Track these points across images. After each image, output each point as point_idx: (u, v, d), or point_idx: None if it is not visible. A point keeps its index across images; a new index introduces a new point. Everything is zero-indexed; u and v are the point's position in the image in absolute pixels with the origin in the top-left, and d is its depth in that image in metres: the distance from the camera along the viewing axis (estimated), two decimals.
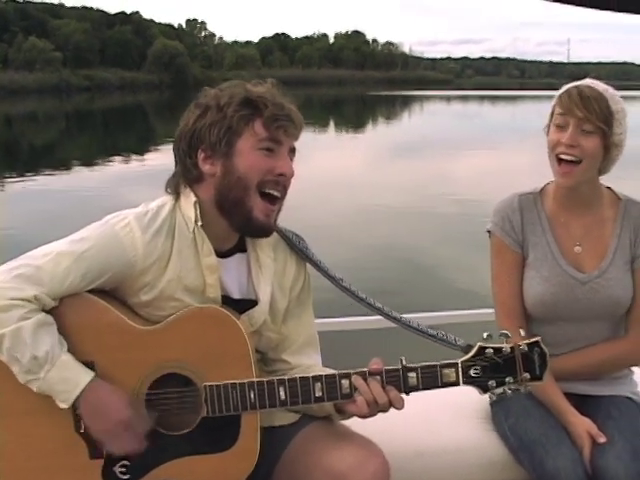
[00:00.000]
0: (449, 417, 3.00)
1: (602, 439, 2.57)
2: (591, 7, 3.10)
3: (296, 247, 2.50)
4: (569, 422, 2.67)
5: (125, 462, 2.24)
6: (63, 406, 2.16)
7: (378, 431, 2.39)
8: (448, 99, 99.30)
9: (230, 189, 2.27)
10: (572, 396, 2.77)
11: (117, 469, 2.24)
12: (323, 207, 16.04)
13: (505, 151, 29.93)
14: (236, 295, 2.39)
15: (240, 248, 2.42)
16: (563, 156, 2.68)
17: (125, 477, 2.25)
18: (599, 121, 2.63)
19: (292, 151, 2.35)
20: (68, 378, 2.14)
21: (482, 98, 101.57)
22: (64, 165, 24.61)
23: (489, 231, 2.90)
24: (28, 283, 2.15)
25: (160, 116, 58.99)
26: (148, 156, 27.76)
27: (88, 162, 25.27)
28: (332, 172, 22.56)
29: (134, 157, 27.22)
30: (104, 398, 2.16)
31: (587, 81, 2.74)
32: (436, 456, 2.80)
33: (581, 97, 2.65)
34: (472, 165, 24.68)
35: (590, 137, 2.65)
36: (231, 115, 2.25)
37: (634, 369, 3.03)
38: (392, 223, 14.48)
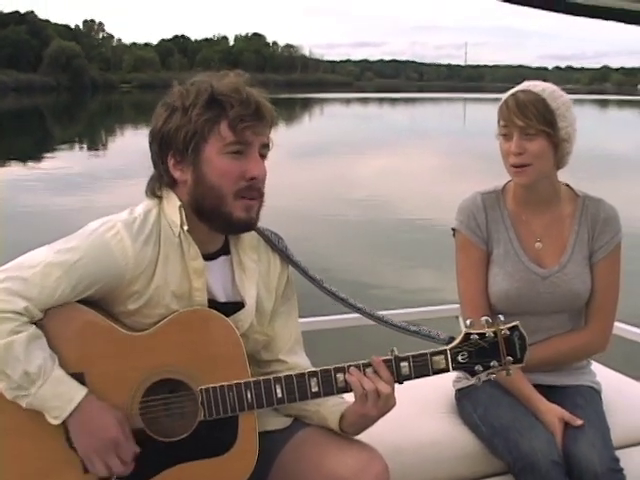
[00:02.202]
0: (419, 413, 3.05)
1: (578, 422, 2.69)
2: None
3: (276, 247, 2.49)
4: (539, 410, 2.77)
5: None
6: (54, 422, 2.09)
7: None
8: (348, 101, 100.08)
9: (204, 198, 2.23)
10: (538, 387, 2.86)
11: None
12: None
13: (405, 152, 30.30)
14: (222, 298, 2.35)
15: (225, 251, 2.39)
16: (515, 164, 2.78)
17: None
18: (540, 124, 2.72)
19: (265, 147, 2.27)
20: (61, 394, 2.07)
21: (382, 100, 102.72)
22: None
23: (454, 229, 2.98)
24: (17, 296, 2.07)
25: (57, 119, 57.68)
26: (45, 160, 27.16)
27: None
28: None
29: (30, 162, 26.55)
30: (95, 415, 2.10)
31: (524, 85, 2.82)
32: (414, 452, 2.84)
33: (518, 105, 2.74)
34: (373, 167, 24.88)
35: (535, 140, 2.74)
36: (195, 119, 2.17)
37: (591, 360, 3.16)
38: (292, 225, 14.46)
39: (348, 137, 37.36)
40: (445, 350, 2.26)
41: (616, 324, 3.51)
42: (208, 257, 2.32)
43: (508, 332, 2.26)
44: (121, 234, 2.18)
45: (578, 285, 2.89)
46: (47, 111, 67.05)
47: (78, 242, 2.17)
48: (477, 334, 2.25)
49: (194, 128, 2.18)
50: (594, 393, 2.96)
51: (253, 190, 2.23)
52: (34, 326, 2.09)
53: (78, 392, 2.09)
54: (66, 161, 26.88)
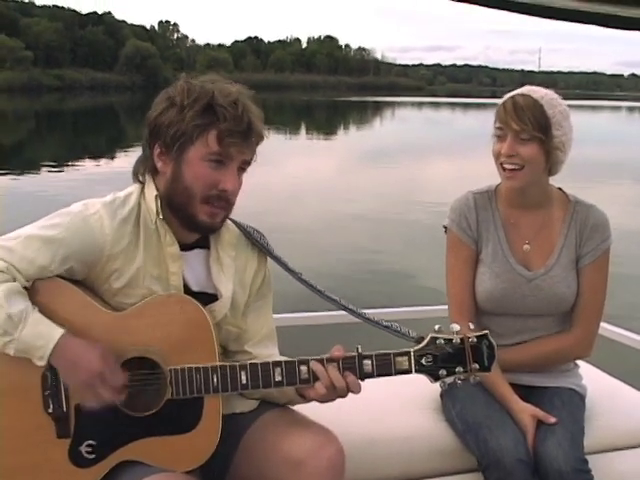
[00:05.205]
0: (401, 408, 3.11)
1: (551, 419, 2.73)
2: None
3: (257, 243, 2.59)
4: (513, 410, 2.80)
5: (91, 442, 2.30)
6: (40, 363, 2.20)
7: (332, 419, 2.46)
8: (420, 105, 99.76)
9: (175, 195, 2.36)
10: (518, 387, 2.90)
11: (83, 448, 2.30)
12: (294, 212, 16.07)
13: (476, 158, 30.00)
14: (195, 287, 2.46)
15: (201, 244, 2.50)
16: (505, 165, 2.82)
17: (91, 456, 2.30)
18: (534, 130, 2.75)
19: (246, 163, 2.38)
20: (42, 332, 2.19)
21: (454, 105, 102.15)
22: (33, 165, 24.40)
23: (445, 227, 3.03)
24: None
25: (131, 118, 58.61)
26: (118, 158, 27.61)
27: (57, 163, 25.07)
28: (303, 177, 22.60)
29: (104, 159, 27.03)
30: (78, 350, 2.21)
31: (524, 89, 2.84)
32: (388, 444, 2.89)
33: (515, 109, 2.77)
34: (443, 171, 24.79)
35: (527, 144, 2.77)
36: (188, 121, 2.29)
37: (579, 363, 3.17)
38: (363, 228, 14.52)
39: (419, 141, 37.27)
40: (409, 352, 2.31)
41: (612, 328, 3.59)
42: (184, 247, 2.45)
43: (476, 340, 2.30)
44: (100, 213, 2.34)
45: (563, 289, 2.91)
46: (121, 110, 68.24)
47: (60, 220, 2.34)
48: (443, 339, 2.30)
49: (184, 129, 2.30)
50: (574, 395, 2.96)
51: (222, 200, 2.36)
52: (16, 282, 2.24)
53: (57, 331, 2.21)
54: None
